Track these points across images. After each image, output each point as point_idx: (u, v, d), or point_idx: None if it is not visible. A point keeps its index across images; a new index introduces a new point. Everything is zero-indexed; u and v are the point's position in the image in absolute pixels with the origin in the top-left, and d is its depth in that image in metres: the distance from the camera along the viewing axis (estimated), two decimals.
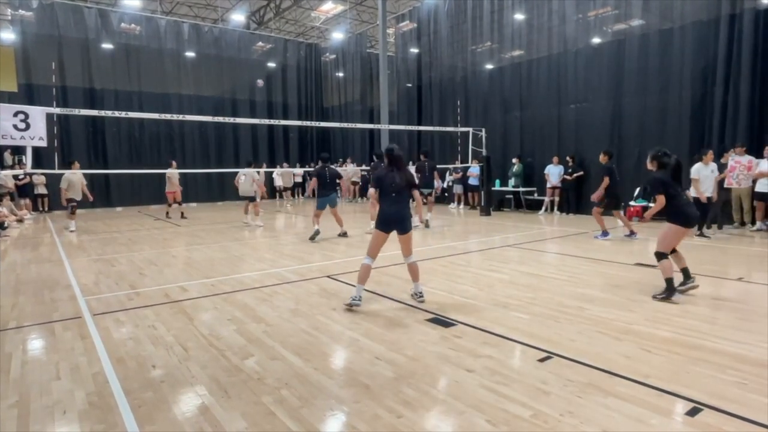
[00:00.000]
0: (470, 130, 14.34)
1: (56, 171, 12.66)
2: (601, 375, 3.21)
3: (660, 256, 5.04)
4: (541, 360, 3.49)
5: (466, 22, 16.45)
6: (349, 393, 3.03)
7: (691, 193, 8.71)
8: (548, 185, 13.52)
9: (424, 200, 10.38)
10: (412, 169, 10.15)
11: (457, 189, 16.30)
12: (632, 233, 9.07)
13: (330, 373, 3.36)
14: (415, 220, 7.02)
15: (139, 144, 18.64)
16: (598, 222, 9.21)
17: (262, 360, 3.56)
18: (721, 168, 9.55)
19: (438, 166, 16.81)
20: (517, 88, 14.93)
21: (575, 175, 12.95)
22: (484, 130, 14.45)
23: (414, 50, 18.96)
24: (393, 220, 4.85)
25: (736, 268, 6.58)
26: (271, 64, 22.84)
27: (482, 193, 13.88)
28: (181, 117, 12.93)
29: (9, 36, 17.62)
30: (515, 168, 14.48)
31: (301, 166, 21.99)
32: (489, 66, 16.08)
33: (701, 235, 8.90)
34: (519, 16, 14.79)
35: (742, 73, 10.13)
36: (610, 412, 2.73)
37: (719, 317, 4.41)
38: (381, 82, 19.23)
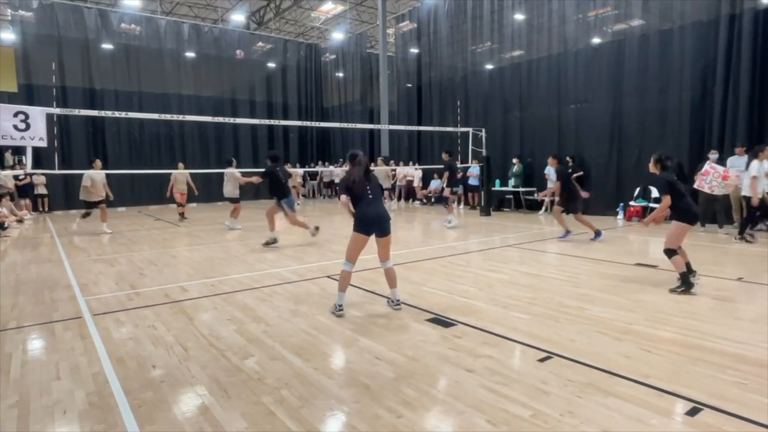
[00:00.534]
0: (470, 130, 14.34)
1: (56, 171, 12.67)
2: (601, 375, 3.21)
3: (670, 253, 5.26)
4: (541, 360, 3.49)
5: (466, 22, 16.46)
6: (349, 393, 3.03)
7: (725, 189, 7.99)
8: (548, 185, 13.50)
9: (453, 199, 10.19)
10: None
11: (457, 189, 16.28)
12: (597, 234, 8.84)
13: (330, 373, 3.36)
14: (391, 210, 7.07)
15: (139, 144, 18.65)
16: (559, 222, 9.24)
17: (262, 360, 3.56)
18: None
19: (438, 167, 16.92)
20: (517, 88, 14.93)
21: (575, 175, 12.94)
22: (484, 130, 14.44)
23: (414, 50, 18.97)
24: (374, 221, 4.62)
25: (736, 268, 6.58)
26: (271, 65, 22.85)
27: (482, 193, 13.89)
28: (181, 117, 12.94)
29: (9, 36, 17.62)
30: (515, 168, 14.48)
31: (302, 166, 22.00)
32: (489, 66, 16.08)
33: (743, 239, 8.54)
34: (519, 16, 14.79)
35: (742, 73, 10.13)
36: (610, 412, 2.73)
37: (719, 317, 4.41)
38: (381, 83, 19.26)
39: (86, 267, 7.14)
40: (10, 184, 13.89)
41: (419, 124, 18.30)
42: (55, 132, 15.02)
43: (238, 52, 21.22)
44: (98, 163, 11.11)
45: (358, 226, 4.63)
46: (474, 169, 14.86)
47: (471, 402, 2.88)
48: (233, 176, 11.16)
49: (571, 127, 13.52)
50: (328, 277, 6.26)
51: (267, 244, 8.59)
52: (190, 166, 18.72)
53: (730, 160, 9.86)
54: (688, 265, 5.31)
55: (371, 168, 4.95)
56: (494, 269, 6.62)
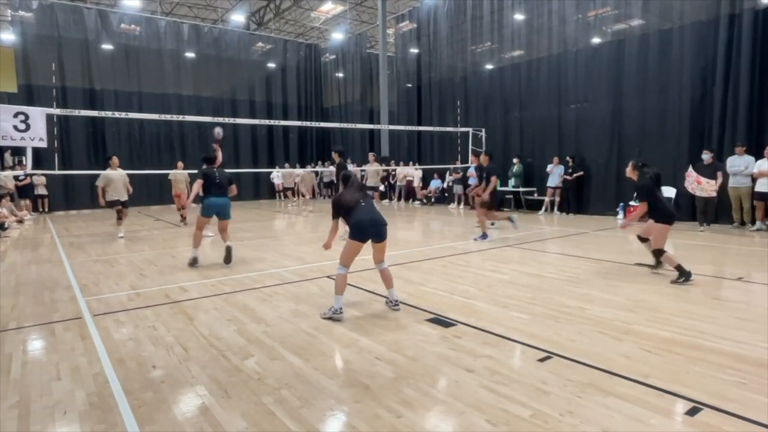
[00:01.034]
0: (470, 130, 14.35)
1: (56, 172, 12.67)
2: (601, 375, 3.22)
3: (659, 252, 5.81)
4: (541, 360, 3.49)
5: (466, 22, 16.47)
6: (349, 393, 3.03)
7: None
8: (548, 183, 13.52)
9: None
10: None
11: (457, 189, 16.31)
12: (484, 236, 9.08)
13: (330, 373, 3.36)
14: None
15: (139, 144, 18.66)
16: (481, 222, 9.29)
17: (262, 360, 3.57)
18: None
19: (438, 167, 16.96)
20: (517, 88, 14.94)
21: (575, 175, 12.96)
22: (484, 130, 14.46)
23: (414, 50, 18.97)
24: (369, 227, 4.56)
25: (735, 268, 6.58)
26: (271, 65, 22.86)
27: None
28: (180, 117, 12.95)
29: (9, 37, 17.65)
30: (515, 168, 14.48)
31: (301, 167, 22.00)
32: (489, 66, 16.09)
33: None
34: (519, 17, 14.80)
35: (742, 73, 10.13)
36: (610, 412, 2.73)
37: (719, 317, 4.41)
38: (381, 83, 19.27)
39: (86, 267, 7.14)
40: (11, 184, 13.90)
41: (419, 124, 18.30)
42: (55, 132, 15.03)
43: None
44: (115, 160, 10.22)
45: (354, 234, 4.57)
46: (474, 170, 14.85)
47: (471, 402, 2.88)
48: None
49: (571, 127, 13.53)
50: (328, 277, 6.26)
51: (191, 264, 7.05)
52: (191, 167, 18.76)
53: (729, 160, 9.88)
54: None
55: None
56: (494, 269, 6.62)
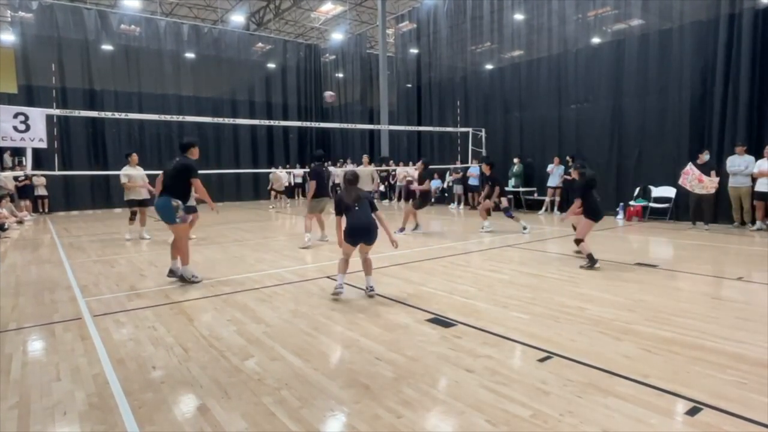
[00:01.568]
0: (470, 130, 14.35)
1: (56, 173, 12.67)
2: (601, 375, 3.22)
3: (579, 241, 6.78)
4: (541, 360, 3.49)
5: (466, 22, 16.47)
6: (349, 393, 3.03)
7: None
8: (548, 183, 13.53)
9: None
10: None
11: (457, 189, 16.31)
12: (402, 229, 9.96)
13: (330, 373, 3.36)
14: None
15: (139, 145, 18.62)
16: (406, 219, 10.06)
17: (262, 361, 3.57)
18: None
19: (438, 167, 16.95)
20: (517, 88, 14.94)
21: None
22: (484, 130, 14.46)
23: (414, 51, 18.97)
24: (359, 232, 5.08)
25: (736, 268, 6.58)
26: (271, 65, 22.86)
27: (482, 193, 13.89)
28: (180, 118, 12.94)
29: (9, 37, 17.66)
30: (515, 168, 14.48)
31: (301, 167, 22.01)
32: (489, 66, 16.09)
33: None
34: (519, 17, 14.80)
35: (742, 72, 10.13)
36: (610, 412, 2.73)
37: (719, 317, 4.41)
38: (381, 83, 19.28)
39: (86, 268, 7.14)
40: (10, 185, 13.90)
41: (419, 124, 18.30)
42: (55, 133, 15.01)
43: (327, 95, 20.69)
44: (134, 158, 9.88)
45: (346, 236, 5.12)
46: (474, 169, 14.86)
47: (471, 402, 2.88)
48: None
49: (571, 127, 13.53)
50: (328, 277, 6.26)
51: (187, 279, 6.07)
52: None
53: (729, 160, 9.88)
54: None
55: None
56: (494, 269, 6.62)
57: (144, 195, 9.83)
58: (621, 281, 5.80)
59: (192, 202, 9.40)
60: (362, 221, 5.07)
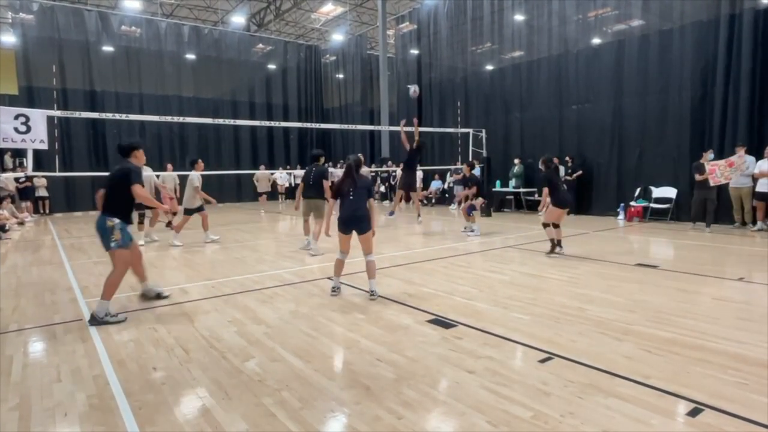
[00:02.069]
0: (470, 131, 14.35)
1: (57, 174, 12.66)
2: (602, 375, 3.21)
3: (545, 225, 7.48)
4: (542, 361, 3.48)
5: (466, 23, 16.48)
6: (350, 394, 3.03)
7: None
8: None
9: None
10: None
11: (458, 190, 16.28)
12: (392, 213, 11.30)
13: (330, 374, 3.36)
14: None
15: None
16: (396, 204, 11.51)
17: (262, 362, 3.56)
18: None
19: (438, 168, 16.96)
20: (518, 89, 14.94)
21: (575, 174, 12.95)
22: (484, 131, 14.45)
23: (414, 51, 18.98)
24: (349, 221, 5.15)
25: (736, 268, 6.57)
26: (272, 66, 22.88)
27: (483, 194, 13.89)
28: (181, 119, 12.95)
29: (10, 39, 17.68)
30: (516, 169, 14.48)
31: (301, 168, 22.01)
32: (489, 67, 16.10)
33: None
34: (519, 17, 14.81)
35: (742, 72, 10.13)
36: (610, 413, 2.73)
37: (720, 317, 4.40)
38: (381, 84, 19.29)
39: (87, 269, 7.15)
40: (11, 186, 13.91)
41: (420, 125, 18.26)
42: (56, 134, 15.03)
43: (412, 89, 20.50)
44: (169, 167, 9.65)
45: (339, 227, 5.23)
46: (474, 170, 14.84)
47: (471, 403, 2.87)
48: (192, 182, 9.33)
49: (571, 127, 13.53)
50: (329, 278, 6.25)
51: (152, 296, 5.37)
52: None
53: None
54: (559, 242, 7.48)
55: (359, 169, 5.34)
56: (495, 270, 6.62)
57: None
58: (622, 282, 5.80)
59: (199, 202, 9.38)
60: (354, 210, 5.14)
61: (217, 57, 20.87)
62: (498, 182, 14.89)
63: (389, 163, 18.34)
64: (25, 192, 15.27)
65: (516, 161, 14.51)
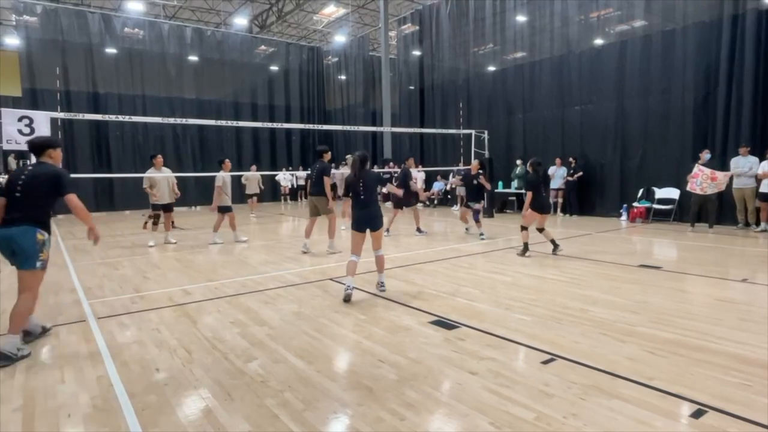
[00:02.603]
0: (473, 132, 14.35)
1: None
2: (605, 377, 3.21)
3: (522, 228, 7.67)
4: (545, 362, 3.48)
5: (468, 24, 16.48)
6: (353, 396, 3.03)
7: None
8: (551, 186, 13.50)
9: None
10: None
11: (460, 191, 16.27)
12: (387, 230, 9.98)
13: (333, 375, 3.36)
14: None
15: (142, 147, 18.72)
16: (392, 222, 10.30)
17: (265, 363, 3.57)
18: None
19: (440, 169, 16.96)
20: (520, 89, 14.93)
21: (576, 175, 12.94)
22: (486, 132, 14.45)
23: (416, 53, 19.00)
24: (364, 220, 5.36)
25: (740, 269, 6.55)
26: (274, 68, 22.92)
27: (485, 194, 13.88)
28: (183, 121, 12.98)
29: (13, 41, 17.76)
30: (518, 170, 14.46)
31: (304, 169, 22.04)
32: (491, 68, 16.09)
33: None
34: (521, 18, 14.80)
35: (745, 73, 10.11)
36: (613, 414, 2.72)
37: (723, 318, 4.39)
38: (383, 85, 19.30)
39: (90, 270, 7.17)
40: None
41: (422, 126, 18.32)
42: (60, 136, 15.09)
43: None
44: (160, 159, 9.46)
45: (353, 225, 5.39)
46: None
47: (474, 404, 2.87)
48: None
49: (574, 128, 13.51)
50: (331, 279, 6.26)
51: None
52: (192, 170, 18.81)
53: (733, 161, 9.86)
54: (553, 241, 7.70)
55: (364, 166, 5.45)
56: (497, 271, 6.61)
57: (166, 199, 9.36)
58: (624, 283, 5.78)
59: (227, 202, 9.64)
60: (366, 209, 5.35)
61: (219, 59, 20.92)
62: (500, 183, 14.88)
63: (391, 164, 18.35)
64: None
65: (518, 162, 14.49)
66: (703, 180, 9.55)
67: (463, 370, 3.37)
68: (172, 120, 12.77)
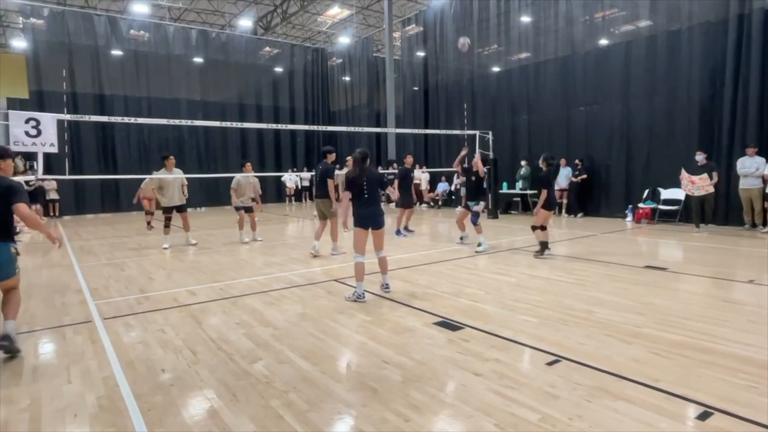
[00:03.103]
0: (477, 132, 14.32)
1: (67, 177, 12.78)
2: (610, 378, 3.19)
3: (534, 228, 7.60)
4: (550, 363, 3.47)
5: (473, 25, 16.46)
6: (357, 397, 3.03)
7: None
8: (556, 187, 13.46)
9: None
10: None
11: (464, 192, 16.27)
12: (398, 232, 10.13)
13: (338, 376, 3.36)
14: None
15: (148, 149, 18.83)
16: (399, 222, 10.22)
17: (270, 364, 3.58)
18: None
19: (445, 170, 16.94)
20: (525, 90, 14.89)
21: (580, 177, 12.89)
22: (491, 132, 14.42)
23: (420, 54, 18.99)
24: (368, 218, 5.31)
25: (746, 270, 6.50)
26: (278, 69, 22.98)
27: (489, 195, 13.86)
28: (189, 122, 13.04)
29: (20, 44, 17.89)
30: (523, 170, 14.43)
31: (308, 171, 22.07)
32: (496, 69, 16.06)
33: None
34: (525, 19, 14.77)
35: (752, 73, 10.03)
36: (619, 416, 2.71)
37: (730, 320, 4.36)
38: (387, 86, 19.30)
39: (96, 271, 7.21)
40: None
41: (426, 127, 18.30)
42: (66, 138, 15.20)
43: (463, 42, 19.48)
44: (171, 161, 9.20)
45: (357, 222, 5.34)
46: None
47: (479, 406, 2.87)
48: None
49: (579, 129, 13.46)
50: (336, 280, 6.27)
51: None
52: (198, 171, 18.86)
53: (740, 161, 9.80)
54: (547, 243, 7.54)
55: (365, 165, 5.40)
56: (502, 272, 6.60)
57: (176, 201, 9.21)
58: (630, 284, 5.76)
59: (248, 202, 9.72)
60: (369, 207, 5.31)
61: (224, 60, 21.01)
62: (505, 184, 14.84)
63: (395, 165, 18.35)
64: (35, 195, 15.42)
65: (523, 163, 14.46)
66: (686, 183, 9.82)
67: (468, 371, 3.37)
68: (177, 121, 12.83)
